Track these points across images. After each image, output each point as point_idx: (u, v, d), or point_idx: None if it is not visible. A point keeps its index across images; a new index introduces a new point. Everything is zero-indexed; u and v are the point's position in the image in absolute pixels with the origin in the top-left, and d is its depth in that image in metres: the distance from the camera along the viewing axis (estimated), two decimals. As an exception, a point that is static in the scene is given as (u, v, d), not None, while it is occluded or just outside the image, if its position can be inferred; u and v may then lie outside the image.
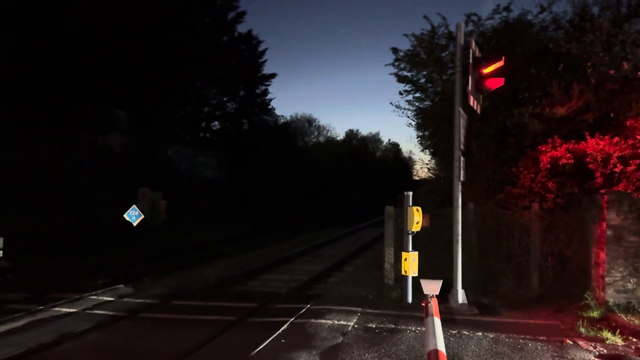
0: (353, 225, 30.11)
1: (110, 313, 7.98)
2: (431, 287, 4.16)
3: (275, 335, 6.73)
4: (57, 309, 8.13)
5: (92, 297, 9.07)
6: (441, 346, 2.87)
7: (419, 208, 8.62)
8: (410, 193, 8.80)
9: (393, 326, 7.28)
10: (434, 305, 3.69)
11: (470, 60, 8.44)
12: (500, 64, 8.38)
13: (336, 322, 7.47)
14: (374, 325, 7.30)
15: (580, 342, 6.64)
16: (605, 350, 6.35)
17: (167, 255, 15.33)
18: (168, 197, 21.03)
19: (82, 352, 6.13)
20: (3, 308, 8.13)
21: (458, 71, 8.73)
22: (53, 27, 24.05)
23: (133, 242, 16.33)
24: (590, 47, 9.54)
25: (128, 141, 24.62)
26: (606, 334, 6.81)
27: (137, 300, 8.94)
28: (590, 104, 9.22)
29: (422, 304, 3.98)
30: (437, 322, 3.31)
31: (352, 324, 7.38)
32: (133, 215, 15.33)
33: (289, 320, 7.49)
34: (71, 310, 8.09)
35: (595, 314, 7.77)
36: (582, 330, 7.10)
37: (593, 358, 6.06)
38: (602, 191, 8.15)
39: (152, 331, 7.06)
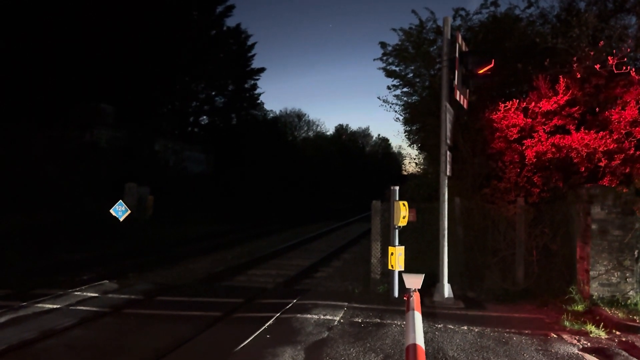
0: (342, 219, 30.12)
1: (94, 309, 7.88)
2: (413, 281, 4.15)
3: (260, 331, 6.69)
4: (40, 305, 8.02)
5: (76, 293, 8.96)
6: (420, 340, 2.85)
7: (405, 202, 8.62)
8: (397, 187, 8.79)
9: (379, 320, 7.27)
10: (415, 299, 3.67)
11: (457, 55, 8.43)
12: (486, 58, 8.37)
13: (322, 316, 7.44)
14: (359, 320, 7.29)
15: (565, 336, 6.68)
16: (589, 344, 6.39)
17: (153, 251, 15.22)
18: (155, 192, 20.85)
19: (64, 349, 6.04)
20: (-16, 304, 8.02)
21: (445, 65, 8.71)
22: (37, 20, 23.71)
23: (119, 238, 16.18)
24: (577, 42, 9.58)
25: (114, 135, 24.39)
26: (590, 328, 6.86)
27: (122, 296, 8.85)
28: (576, 98, 9.25)
29: (404, 298, 3.96)
30: (418, 316, 3.29)
31: (338, 318, 7.36)
32: (119, 211, 15.17)
33: (274, 316, 7.45)
34: (54, 306, 7.99)
35: (579, 307, 7.83)
36: (567, 323, 7.14)
37: (577, 351, 6.09)
38: (587, 185, 8.20)
39: (136, 327, 6.98)
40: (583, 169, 8.52)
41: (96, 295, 8.90)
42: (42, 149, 17.93)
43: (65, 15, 25.01)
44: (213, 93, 38.86)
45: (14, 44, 22.77)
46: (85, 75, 25.92)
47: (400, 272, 8.44)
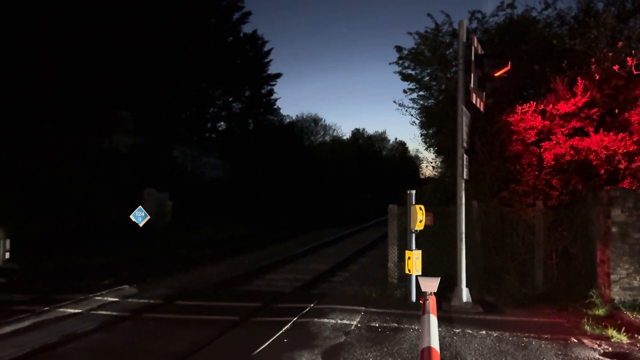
0: (359, 224, 30.08)
1: (114, 313, 8.00)
2: (429, 285, 4.14)
3: (277, 335, 6.72)
4: (61, 309, 8.17)
5: (97, 297, 9.10)
6: (435, 343, 2.85)
7: (422, 206, 8.58)
8: (414, 191, 8.76)
9: (396, 325, 7.25)
10: (431, 302, 3.67)
11: (473, 58, 8.40)
12: (502, 61, 8.34)
13: (339, 321, 7.45)
14: (377, 324, 7.28)
15: (585, 340, 6.59)
16: (610, 349, 6.29)
17: (172, 256, 15.37)
18: (174, 197, 21.10)
19: (85, 353, 6.15)
20: (9, 309, 8.18)
21: (460, 69, 8.68)
22: (58, 29, 24.19)
23: (139, 243, 16.39)
24: (595, 43, 9.47)
25: (134, 142, 24.74)
26: (611, 332, 6.74)
27: (141, 301, 8.96)
28: (595, 100, 9.14)
29: (420, 302, 3.96)
30: (434, 319, 3.28)
31: (355, 323, 7.36)
32: (139, 216, 15.41)
33: (292, 320, 7.47)
34: (76, 310, 8.12)
35: (600, 311, 7.70)
36: (587, 328, 7.03)
37: (598, 356, 6.00)
38: (607, 188, 8.08)
39: (155, 331, 7.07)
40: (602, 171, 8.42)
41: (116, 299, 9.02)
42: (62, 155, 18.25)
43: (85, 25, 25.46)
44: (230, 99, 39.24)
45: (35, 52, 23.31)
46: (104, 83, 26.35)
47: (417, 277, 8.40)
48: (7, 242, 12.86)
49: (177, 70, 31.27)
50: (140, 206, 15.68)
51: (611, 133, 8.64)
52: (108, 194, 18.88)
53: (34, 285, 10.45)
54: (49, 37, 23.98)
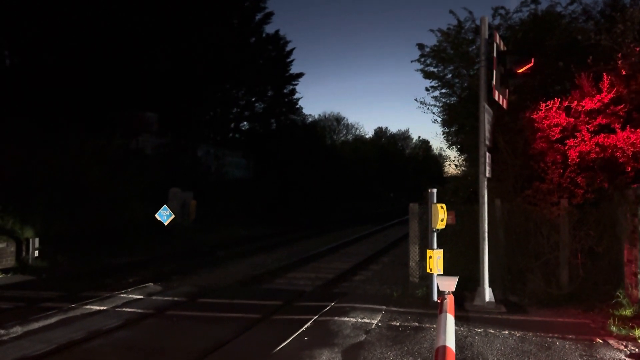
0: (382, 223, 29.95)
1: (139, 311, 8.14)
2: (447, 284, 4.11)
3: (298, 333, 6.76)
4: (87, 306, 8.35)
5: (122, 295, 9.28)
6: (450, 343, 2.83)
7: (444, 205, 8.50)
8: (435, 190, 8.68)
9: (417, 324, 7.22)
10: (449, 302, 3.65)
11: (495, 54, 8.30)
12: (525, 57, 8.22)
13: (360, 320, 7.45)
14: (397, 324, 7.26)
15: (611, 341, 6.46)
16: (636, 350, 6.15)
17: (196, 254, 15.57)
18: (198, 196, 21.32)
19: (109, 349, 6.28)
20: (37, 306, 8.42)
21: (483, 65, 8.57)
22: (85, 31, 24.69)
23: (163, 241, 16.62)
24: (621, 38, 9.28)
25: (159, 142, 25.08)
26: (638, 333, 6.60)
27: (165, 298, 9.11)
28: (622, 96, 8.94)
29: (438, 301, 3.94)
30: (450, 318, 3.27)
31: (375, 322, 7.35)
32: (164, 215, 15.64)
33: (312, 318, 7.51)
34: (101, 308, 8.30)
35: (627, 312, 7.53)
36: (613, 328, 6.89)
37: (623, 357, 5.88)
38: (634, 186, 7.90)
39: (178, 328, 7.18)
40: (629, 169, 8.23)
41: (141, 297, 9.19)
42: (90, 156, 18.58)
43: (114, 29, 25.94)
44: (253, 99, 39.46)
45: (62, 54, 23.88)
46: (130, 84, 26.80)
47: (438, 276, 8.35)
48: (36, 240, 13.22)
49: (201, 71, 31.60)
50: (165, 205, 15.92)
51: (638, 130, 8.43)
52: (134, 193, 19.15)
53: (61, 282, 10.71)
54: (78, 39, 24.50)
